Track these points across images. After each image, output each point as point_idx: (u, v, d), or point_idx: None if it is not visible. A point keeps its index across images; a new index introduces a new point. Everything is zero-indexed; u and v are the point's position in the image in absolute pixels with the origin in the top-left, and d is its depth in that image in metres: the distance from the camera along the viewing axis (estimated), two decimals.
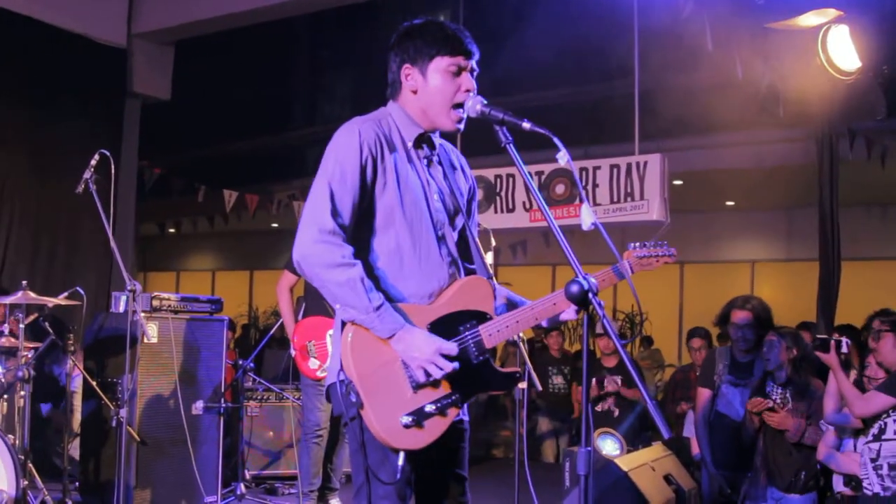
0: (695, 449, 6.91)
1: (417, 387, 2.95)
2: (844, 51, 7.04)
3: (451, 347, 2.96)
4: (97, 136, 10.06)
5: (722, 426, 6.57)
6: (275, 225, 18.69)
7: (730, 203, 16.81)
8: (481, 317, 3.11)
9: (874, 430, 5.25)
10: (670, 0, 8.01)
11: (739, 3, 7.56)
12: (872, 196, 14.25)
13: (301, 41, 17.72)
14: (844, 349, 5.50)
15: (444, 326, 3.03)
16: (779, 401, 6.19)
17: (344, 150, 3.03)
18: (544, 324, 3.20)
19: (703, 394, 6.77)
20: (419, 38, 3.14)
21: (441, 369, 2.92)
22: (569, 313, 3.14)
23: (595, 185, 8.77)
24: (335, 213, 2.97)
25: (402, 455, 2.94)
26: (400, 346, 2.93)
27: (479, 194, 9.59)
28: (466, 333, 3.05)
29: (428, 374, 2.93)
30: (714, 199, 16.21)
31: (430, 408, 2.95)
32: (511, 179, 9.30)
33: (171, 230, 20.31)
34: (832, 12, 6.95)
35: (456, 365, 2.95)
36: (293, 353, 6.42)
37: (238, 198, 13.72)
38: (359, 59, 16.78)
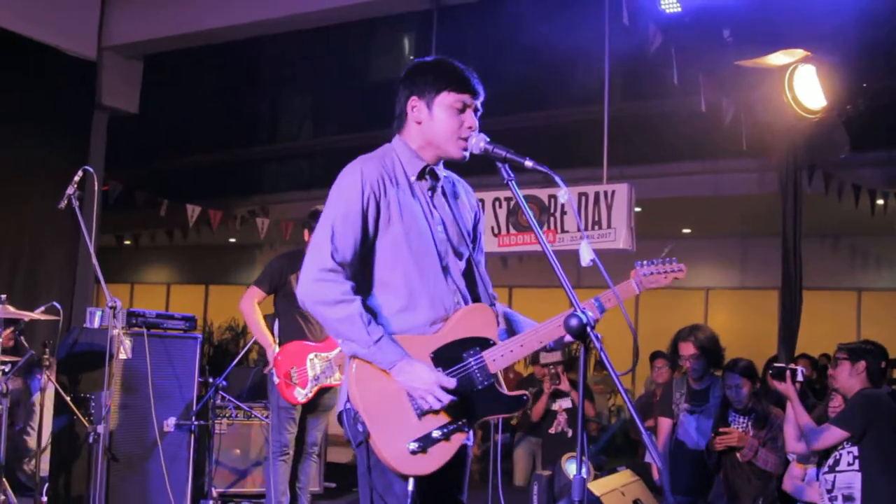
0: (655, 475, 7.04)
1: (422, 414, 3.04)
2: (810, 90, 7.24)
3: (450, 381, 3.04)
4: (65, 148, 10.04)
5: (682, 453, 6.72)
6: (232, 240, 18.64)
7: (686, 230, 17.06)
8: (484, 343, 3.18)
9: (830, 461, 5.38)
10: (639, 31, 8.14)
11: (708, 38, 7.72)
12: (825, 227, 14.55)
13: (266, 59, 17.75)
14: (800, 378, 5.64)
15: (448, 354, 3.12)
16: (741, 430, 6.35)
17: (346, 190, 3.14)
18: (550, 345, 3.26)
19: (664, 423, 6.91)
20: (428, 73, 3.25)
21: (440, 401, 3.01)
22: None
23: (563, 213, 8.89)
24: (335, 252, 3.08)
25: (411, 481, 3.00)
26: (401, 378, 3.03)
27: None
28: (470, 360, 3.13)
29: (429, 404, 3.02)
30: (671, 226, 16.45)
31: (436, 434, 3.03)
32: (480, 204, 9.34)
33: (128, 242, 20.16)
34: (800, 52, 7.14)
35: (453, 398, 3.03)
36: (276, 381, 6.42)
37: (201, 213, 13.67)
38: (323, 79, 16.85)
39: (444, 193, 3.34)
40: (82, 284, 10.72)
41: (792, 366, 5.69)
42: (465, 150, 3.23)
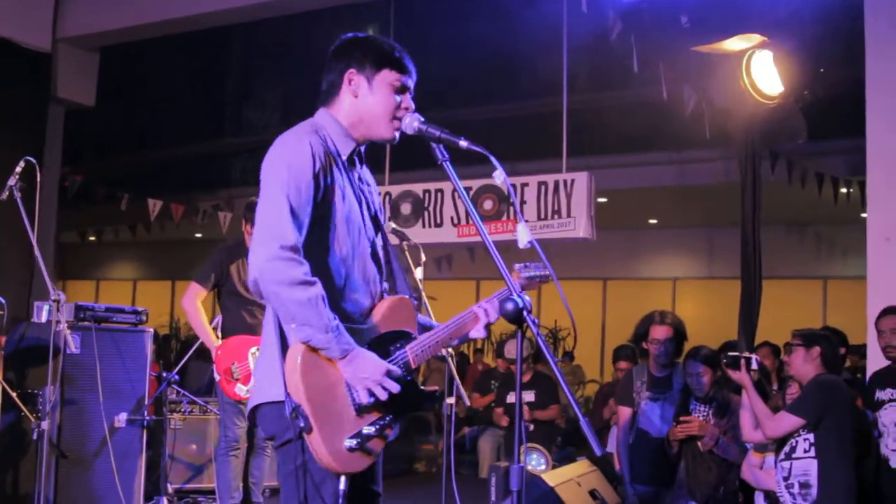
0: (618, 465, 7.00)
1: (359, 409, 2.92)
2: (768, 75, 7.21)
3: (396, 369, 2.95)
4: (19, 141, 9.85)
5: (644, 442, 6.67)
6: (198, 235, 18.49)
7: (652, 221, 17.08)
8: (407, 337, 3.11)
9: (786, 448, 5.35)
10: (599, 19, 8.10)
11: (666, 26, 7.68)
12: (790, 216, 14.59)
13: (230, 50, 17.63)
14: (754, 366, 5.61)
15: (378, 347, 3.01)
16: (701, 418, 6.31)
17: (297, 162, 2.93)
18: (455, 342, 3.24)
19: (624, 412, 6.87)
20: (369, 48, 3.14)
21: (387, 390, 2.90)
22: (477, 331, 3.19)
23: (523, 202, 8.84)
24: (298, 228, 2.89)
25: (343, 479, 2.89)
26: (350, 368, 2.88)
27: (407, 208, 9.64)
28: (397, 354, 3.04)
29: (372, 395, 2.90)
30: (637, 217, 16.46)
31: (368, 430, 2.90)
32: (439, 194, 9.33)
33: (92, 238, 19.97)
34: (756, 38, 7.11)
35: (399, 387, 2.93)
36: (217, 377, 6.32)
37: (163, 207, 13.53)
38: (288, 70, 16.74)
39: (359, 178, 3.22)
40: (41, 279, 10.54)
41: (746, 354, 5.65)
42: (397, 130, 3.14)
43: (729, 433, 6.26)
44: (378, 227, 3.24)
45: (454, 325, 3.16)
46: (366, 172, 3.32)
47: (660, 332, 6.66)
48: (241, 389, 6.22)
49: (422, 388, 3.14)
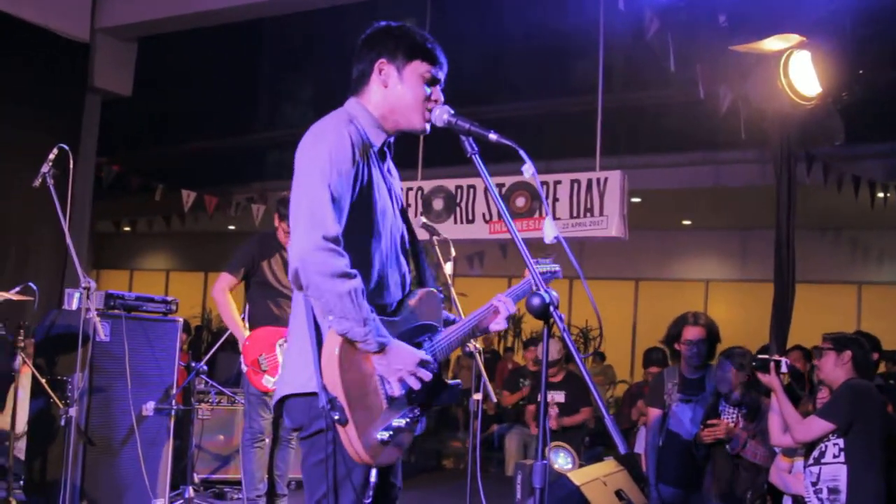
0: (645, 466, 6.95)
1: (391, 401, 2.90)
2: (805, 76, 7.13)
3: (430, 358, 2.95)
4: (56, 130, 9.92)
5: (673, 444, 6.62)
6: (231, 227, 18.60)
7: (686, 222, 16.99)
8: (433, 330, 3.10)
9: (815, 453, 5.29)
10: (636, 18, 8.05)
11: (704, 24, 7.63)
12: (826, 220, 14.47)
13: (265, 43, 17.68)
14: (784, 369, 5.54)
15: (406, 340, 2.99)
16: (731, 422, 6.26)
17: (338, 152, 2.90)
18: (477, 335, 3.24)
19: (653, 413, 6.81)
20: (400, 38, 3.11)
21: (420, 381, 2.90)
22: (497, 324, 3.18)
23: (555, 200, 8.80)
24: (339, 219, 2.86)
25: (374, 472, 2.90)
26: (385, 360, 2.87)
27: (440, 204, 9.62)
28: (425, 347, 3.04)
29: (404, 388, 2.89)
30: (671, 218, 16.38)
31: (398, 422, 2.88)
32: (472, 190, 9.31)
33: (127, 228, 20.14)
34: (795, 38, 7.04)
35: (431, 375, 2.93)
36: (244, 368, 6.33)
37: (196, 198, 13.61)
38: (322, 63, 16.78)
39: (388, 170, 3.21)
40: (73, 267, 10.63)
41: (776, 357, 5.59)
42: (427, 122, 3.11)
43: (758, 437, 6.19)
44: (406, 219, 3.23)
45: (475, 319, 3.15)
46: (391, 165, 3.30)
47: (693, 333, 6.60)
48: (268, 381, 6.23)
49: (446, 381, 3.13)
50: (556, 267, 3.48)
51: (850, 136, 7.73)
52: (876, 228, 14.69)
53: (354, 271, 2.82)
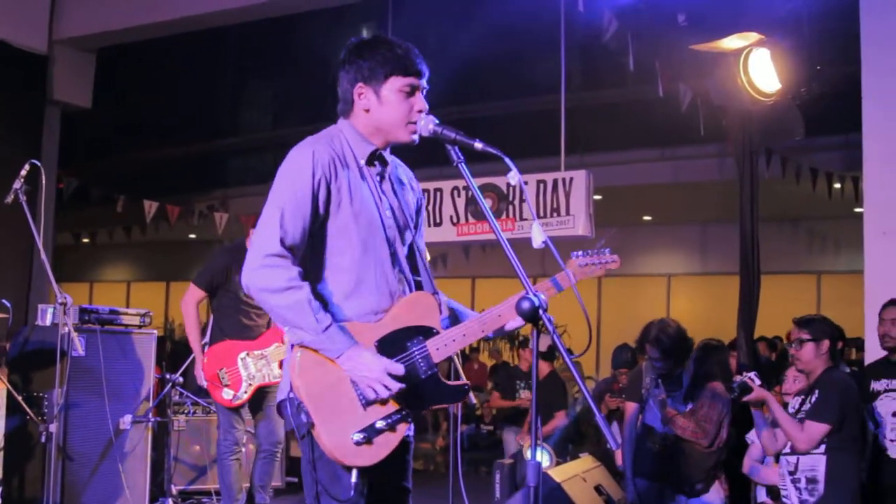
0: (619, 460, 7.01)
1: (367, 404, 2.98)
2: (765, 73, 7.26)
3: (398, 367, 2.99)
4: (15, 143, 9.87)
5: (649, 438, 6.68)
6: (192, 236, 18.51)
7: (647, 217, 17.14)
8: (427, 331, 3.12)
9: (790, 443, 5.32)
10: (597, 18, 8.14)
11: (663, 24, 7.73)
12: (783, 212, 14.66)
13: (225, 51, 17.59)
14: (758, 381, 5.46)
15: (392, 343, 3.05)
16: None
17: (296, 173, 3.03)
18: (490, 335, 3.23)
19: (630, 407, 6.86)
20: (371, 56, 3.14)
21: (388, 389, 2.95)
22: (514, 322, 3.18)
23: (522, 201, 8.85)
24: (284, 236, 2.97)
25: (354, 472, 2.95)
26: (348, 366, 2.95)
27: None
28: (414, 349, 3.07)
29: (376, 393, 2.96)
30: (631, 214, 16.52)
31: (380, 424, 2.97)
32: (439, 194, 9.32)
33: (86, 240, 19.95)
34: (754, 36, 7.16)
35: (402, 385, 2.97)
36: (204, 384, 6.32)
37: (158, 208, 13.51)
38: (283, 70, 16.73)
39: (390, 179, 3.27)
40: (39, 282, 10.54)
41: (743, 376, 5.45)
42: (415, 133, 3.16)
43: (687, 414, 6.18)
44: (407, 225, 3.27)
45: (488, 317, 3.17)
46: (400, 172, 3.36)
47: (651, 352, 6.62)
48: (228, 394, 6.21)
49: (446, 382, 3.15)
50: (607, 258, 3.43)
51: (808, 128, 7.86)
52: (833, 218, 14.90)
53: (301, 283, 2.95)
